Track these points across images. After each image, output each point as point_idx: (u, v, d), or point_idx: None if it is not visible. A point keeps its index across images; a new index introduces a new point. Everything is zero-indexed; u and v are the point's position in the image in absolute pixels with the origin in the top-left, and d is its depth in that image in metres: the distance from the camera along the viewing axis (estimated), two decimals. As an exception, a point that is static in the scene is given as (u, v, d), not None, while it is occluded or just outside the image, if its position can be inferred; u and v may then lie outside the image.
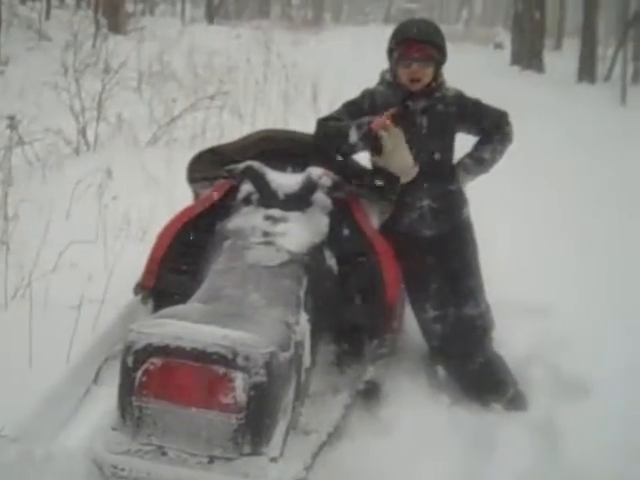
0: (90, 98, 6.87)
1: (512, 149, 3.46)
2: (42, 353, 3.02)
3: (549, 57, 18.20)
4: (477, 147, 3.44)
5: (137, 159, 5.77)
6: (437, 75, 3.30)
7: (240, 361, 2.19)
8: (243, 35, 16.18)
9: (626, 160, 7.42)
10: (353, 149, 3.26)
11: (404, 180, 3.26)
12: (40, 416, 2.79)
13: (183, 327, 2.26)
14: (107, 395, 2.99)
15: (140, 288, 3.16)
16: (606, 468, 2.79)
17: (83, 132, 6.62)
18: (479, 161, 3.40)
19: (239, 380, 2.19)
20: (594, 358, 3.35)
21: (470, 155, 3.42)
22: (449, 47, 3.34)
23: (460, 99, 3.37)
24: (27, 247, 3.77)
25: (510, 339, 3.54)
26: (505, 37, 24.20)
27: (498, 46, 24.21)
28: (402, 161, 3.23)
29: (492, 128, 3.40)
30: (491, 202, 4.23)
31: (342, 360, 3.21)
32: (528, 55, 17.54)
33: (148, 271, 3.15)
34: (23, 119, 5.36)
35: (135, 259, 3.57)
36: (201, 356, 2.19)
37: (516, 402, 3.28)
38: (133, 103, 8.05)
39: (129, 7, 17.96)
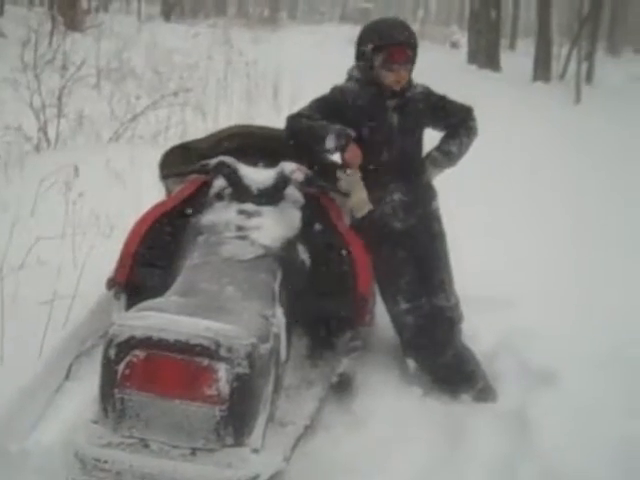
0: (49, 95, 6.78)
1: (474, 145, 3.54)
2: (13, 349, 3.00)
3: (504, 56, 18.37)
4: (445, 141, 3.51)
5: (100, 156, 5.72)
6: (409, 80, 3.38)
7: (223, 352, 2.20)
8: (201, 33, 16.10)
9: (584, 156, 7.57)
10: (326, 153, 3.30)
11: (358, 216, 3.29)
12: (14, 413, 2.76)
13: (165, 319, 2.26)
14: (80, 391, 3.01)
15: (113, 283, 3.13)
16: (575, 457, 2.83)
17: (44, 129, 6.53)
18: (447, 154, 3.47)
19: (222, 371, 2.20)
20: (561, 349, 3.39)
21: (438, 148, 3.49)
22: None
23: (428, 95, 3.45)
24: (-7, 244, 3.72)
25: (478, 332, 3.59)
26: (461, 36, 24.38)
27: (454, 45, 24.37)
28: (358, 201, 3.26)
29: (459, 123, 3.49)
30: (455, 194, 4.28)
31: (315, 353, 3.25)
32: (484, 54, 17.68)
33: (121, 266, 3.13)
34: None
35: (104, 255, 3.55)
36: (184, 348, 2.19)
37: (485, 393, 3.33)
38: (93, 100, 7.97)
39: (83, 4, 17.75)
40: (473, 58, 18.29)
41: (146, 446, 2.23)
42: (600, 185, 6.37)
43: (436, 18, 46.53)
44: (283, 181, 3.18)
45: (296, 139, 3.32)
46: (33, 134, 6.35)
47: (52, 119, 6.66)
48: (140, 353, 2.21)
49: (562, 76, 16.14)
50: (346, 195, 3.25)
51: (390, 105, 3.35)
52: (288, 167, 3.19)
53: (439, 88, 3.53)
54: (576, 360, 3.32)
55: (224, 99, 8.60)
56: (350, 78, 3.46)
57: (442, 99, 3.49)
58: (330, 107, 3.34)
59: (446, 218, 3.52)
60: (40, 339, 3.09)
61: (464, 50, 19.88)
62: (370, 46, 3.30)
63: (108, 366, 2.24)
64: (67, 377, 3.17)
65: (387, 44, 3.27)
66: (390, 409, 3.18)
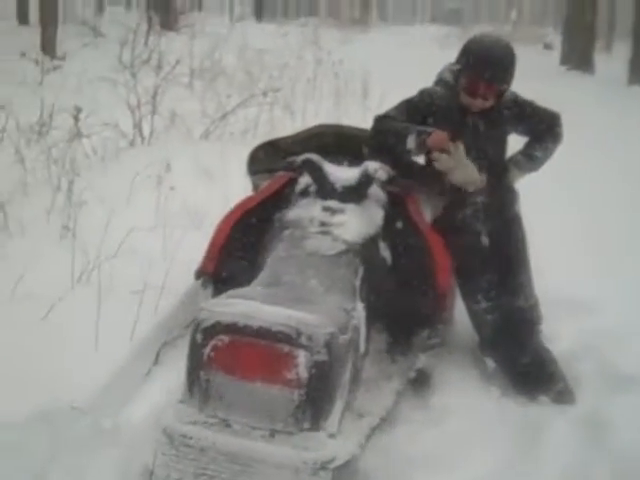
0: (145, 93, 7.03)
1: (564, 147, 3.54)
2: (107, 334, 3.16)
3: (599, 59, 17.97)
4: (529, 145, 3.53)
5: (191, 152, 5.90)
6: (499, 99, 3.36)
7: (303, 340, 2.30)
8: (291, 33, 16.29)
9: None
10: (408, 154, 3.35)
11: (470, 190, 3.36)
12: (107, 392, 2.93)
13: (250, 307, 2.37)
14: (166, 375, 3.16)
15: (201, 273, 3.26)
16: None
17: (139, 126, 6.77)
18: (531, 158, 3.49)
19: (302, 358, 2.30)
20: (643, 353, 3.37)
21: (522, 152, 3.51)
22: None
23: (515, 102, 3.45)
24: (90, 233, 3.91)
25: (558, 333, 3.58)
26: (555, 38, 23.94)
27: (548, 46, 23.90)
28: (466, 176, 3.34)
29: (545, 129, 3.50)
30: (538, 199, 4.26)
31: (394, 349, 3.29)
32: (578, 56, 17.34)
33: (209, 257, 3.26)
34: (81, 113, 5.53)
35: (192, 247, 3.69)
36: (267, 334, 2.30)
37: (564, 396, 3.31)
38: (185, 99, 8.16)
39: (178, 4, 18.19)
40: (566, 60, 17.94)
41: (228, 426, 2.35)
42: None
43: (530, 19, 45.66)
44: (367, 180, 3.24)
45: (380, 140, 3.39)
46: (129, 130, 6.60)
47: (146, 116, 6.89)
48: (225, 338, 2.33)
49: (659, 80, 15.65)
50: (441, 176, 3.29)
51: (476, 114, 3.38)
52: (372, 166, 3.26)
53: (527, 90, 3.53)
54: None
55: (312, 98, 8.71)
56: (439, 81, 3.49)
57: (530, 106, 3.49)
58: (417, 110, 3.39)
59: (528, 221, 3.53)
60: (131, 326, 3.26)
61: (558, 52, 19.52)
62: (458, 66, 3.33)
63: (195, 349, 2.36)
64: (155, 362, 3.33)
65: (470, 72, 3.28)
66: (467, 407, 3.19)
